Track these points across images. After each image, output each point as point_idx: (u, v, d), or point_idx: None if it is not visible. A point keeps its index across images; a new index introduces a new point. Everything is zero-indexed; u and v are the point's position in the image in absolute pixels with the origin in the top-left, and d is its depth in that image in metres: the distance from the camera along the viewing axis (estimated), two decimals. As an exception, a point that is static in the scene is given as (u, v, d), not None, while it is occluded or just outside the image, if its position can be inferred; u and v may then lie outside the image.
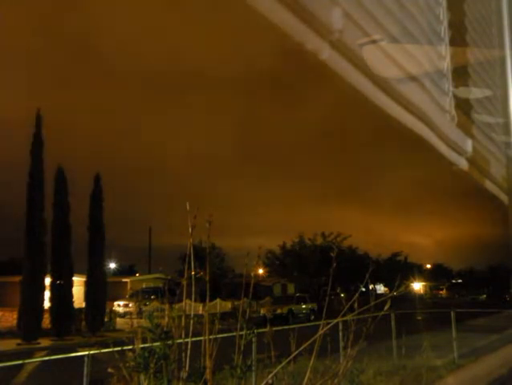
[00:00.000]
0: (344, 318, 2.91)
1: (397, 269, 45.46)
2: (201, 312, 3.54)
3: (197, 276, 2.92)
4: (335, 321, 3.05)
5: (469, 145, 3.12)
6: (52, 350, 17.99)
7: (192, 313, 2.84)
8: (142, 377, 2.65)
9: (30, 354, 16.08)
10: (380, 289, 57.81)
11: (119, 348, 2.99)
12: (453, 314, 13.61)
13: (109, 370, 2.88)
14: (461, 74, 3.07)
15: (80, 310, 23.27)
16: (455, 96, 2.96)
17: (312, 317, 31.07)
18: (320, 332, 2.82)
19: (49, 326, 21.42)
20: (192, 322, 2.86)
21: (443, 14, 2.80)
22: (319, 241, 42.87)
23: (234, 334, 2.82)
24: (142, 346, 2.75)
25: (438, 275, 67.72)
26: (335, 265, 3.09)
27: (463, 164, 3.11)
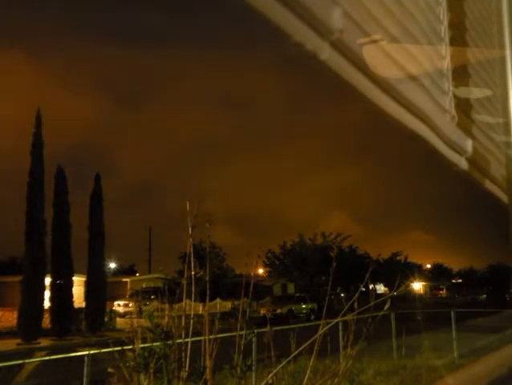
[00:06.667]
0: (344, 318, 2.91)
1: (397, 268, 45.43)
2: (201, 312, 3.54)
3: (197, 276, 2.92)
4: (335, 321, 3.05)
5: (469, 145, 3.12)
6: (52, 350, 17.97)
7: (192, 313, 2.84)
8: (142, 377, 2.65)
9: (30, 354, 16.07)
10: (380, 289, 57.76)
11: (119, 348, 2.99)
12: (452, 313, 13.63)
13: (109, 369, 2.89)
14: (461, 74, 3.07)
15: (80, 309, 23.26)
16: (455, 96, 2.96)
17: (312, 317, 31.06)
18: (320, 332, 2.82)
19: (49, 326, 21.42)
20: (192, 321, 2.86)
21: (443, 14, 2.80)
22: (319, 240, 42.87)
23: (234, 334, 2.82)
24: (142, 346, 2.75)
25: (438, 275, 67.64)
26: (335, 265, 3.09)
27: (463, 164, 3.11)
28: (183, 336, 2.72)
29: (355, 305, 2.91)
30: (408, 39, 2.43)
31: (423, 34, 2.61)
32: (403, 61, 2.43)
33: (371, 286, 48.75)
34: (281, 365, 2.81)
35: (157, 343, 2.65)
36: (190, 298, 2.88)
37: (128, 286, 37.51)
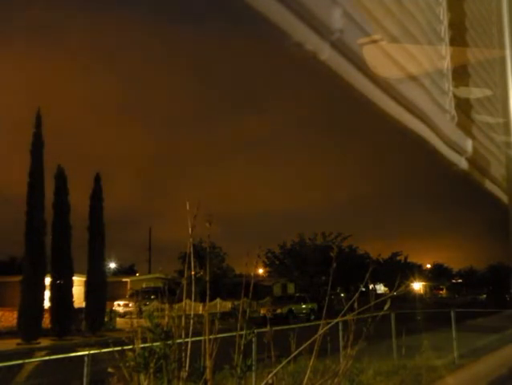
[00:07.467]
0: (344, 318, 2.91)
1: (397, 269, 45.45)
2: (201, 312, 3.54)
3: (197, 276, 2.92)
4: (335, 321, 3.05)
5: (469, 145, 3.12)
6: (52, 350, 17.98)
7: (192, 313, 2.84)
8: (142, 377, 2.65)
9: (30, 354, 16.07)
10: (380, 289, 57.77)
11: (119, 348, 2.99)
12: (452, 313, 13.63)
13: (109, 369, 2.89)
14: (461, 74, 3.07)
15: (80, 309, 23.26)
16: (455, 96, 2.96)
17: (312, 317, 31.06)
18: (320, 332, 2.82)
19: (49, 326, 21.42)
20: (192, 321, 2.86)
21: (443, 14, 2.80)
22: (319, 240, 42.88)
23: (234, 334, 2.82)
24: (142, 345, 2.75)
25: (438, 275, 67.61)
26: (335, 265, 3.08)
27: (463, 164, 3.11)
28: (183, 336, 2.72)
29: (355, 305, 2.91)
30: (408, 39, 2.44)
31: (423, 34, 2.61)
32: (403, 61, 2.43)
33: (371, 286, 48.77)
34: (281, 365, 2.81)
35: (157, 343, 2.65)
36: (190, 298, 2.88)
37: (128, 286, 37.53)
